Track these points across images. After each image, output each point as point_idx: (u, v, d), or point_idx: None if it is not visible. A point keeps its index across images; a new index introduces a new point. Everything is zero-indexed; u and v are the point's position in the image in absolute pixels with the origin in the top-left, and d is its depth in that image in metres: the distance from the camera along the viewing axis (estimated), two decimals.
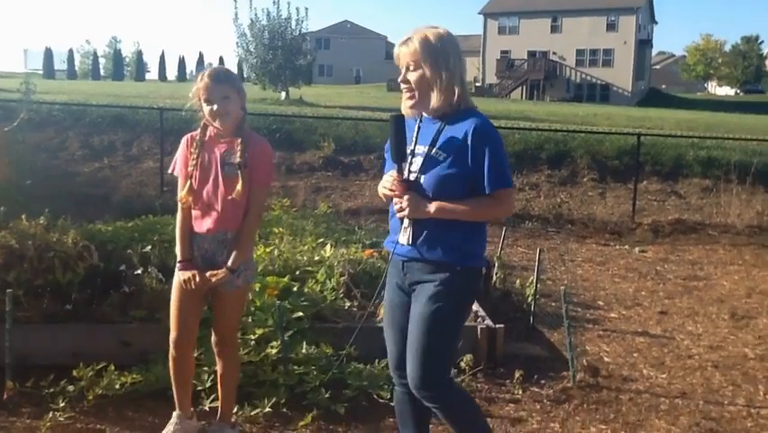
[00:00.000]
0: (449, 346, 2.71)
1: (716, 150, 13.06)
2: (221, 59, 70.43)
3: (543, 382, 4.25)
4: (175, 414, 3.38)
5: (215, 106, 3.02)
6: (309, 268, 5.25)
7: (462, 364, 3.99)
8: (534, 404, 3.95)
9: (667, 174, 12.37)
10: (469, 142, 2.55)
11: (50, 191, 8.60)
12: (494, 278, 6.08)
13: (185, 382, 3.37)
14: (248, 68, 28.47)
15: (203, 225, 3.15)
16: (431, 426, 3.01)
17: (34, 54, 65.82)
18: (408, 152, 2.69)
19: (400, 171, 2.66)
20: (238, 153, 3.06)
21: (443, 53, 2.61)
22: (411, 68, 2.64)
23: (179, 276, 3.17)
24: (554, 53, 51.76)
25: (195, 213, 3.16)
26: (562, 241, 9.23)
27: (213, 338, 3.34)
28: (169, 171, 3.30)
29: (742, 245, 9.29)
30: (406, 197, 2.61)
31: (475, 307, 4.93)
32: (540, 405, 3.95)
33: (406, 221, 2.65)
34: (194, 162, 3.11)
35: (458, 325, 2.75)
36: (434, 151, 2.62)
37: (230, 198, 3.06)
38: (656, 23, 57.94)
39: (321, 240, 6.21)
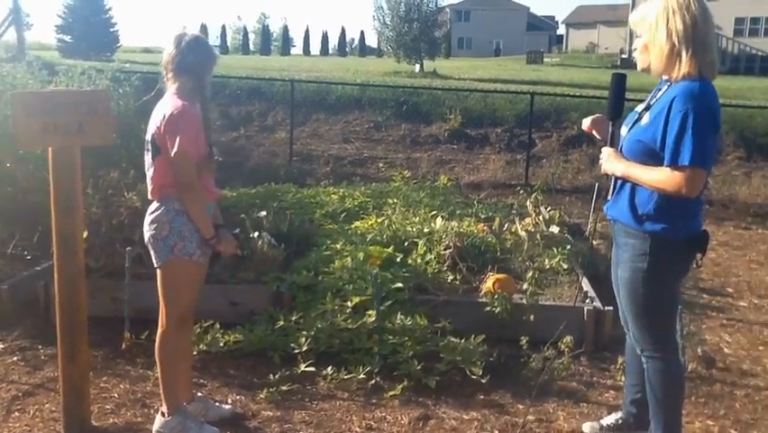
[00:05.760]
0: (654, 311, 2.74)
1: None
2: (362, 34, 71.52)
3: None
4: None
5: None
6: (417, 240, 5.24)
7: (561, 346, 3.85)
8: None
9: None
10: (667, 109, 2.52)
11: None
12: None
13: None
14: (384, 41, 28.71)
15: (215, 188, 3.16)
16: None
17: (191, 30, 69.69)
18: (641, 109, 2.77)
19: (612, 129, 2.79)
20: None
21: (673, 20, 2.55)
22: (639, 33, 2.69)
23: (225, 248, 3.15)
24: None
25: (209, 180, 3.08)
26: None
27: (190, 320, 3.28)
28: (189, 152, 2.89)
29: None
30: (607, 151, 2.74)
31: (585, 287, 4.73)
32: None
33: (613, 178, 2.77)
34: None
35: (657, 291, 2.70)
36: (643, 113, 2.68)
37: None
38: None
39: (434, 212, 6.18)
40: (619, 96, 2.78)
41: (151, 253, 3.05)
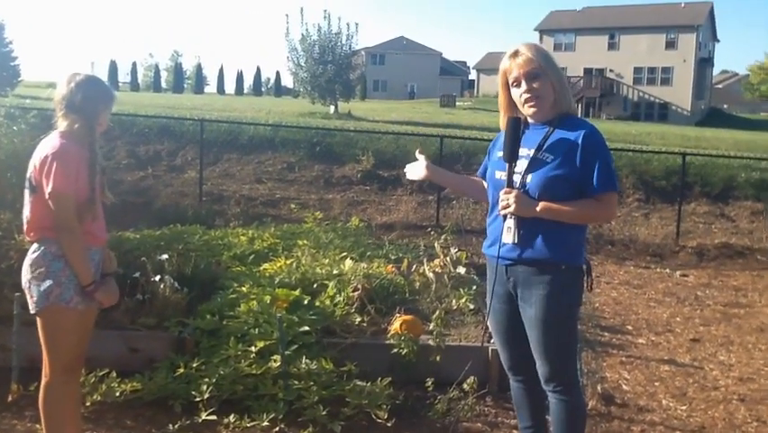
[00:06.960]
0: (569, 342, 2.82)
1: None
2: (277, 74, 71.59)
3: None
4: None
5: None
6: (326, 282, 5.20)
7: (465, 387, 3.87)
8: None
9: (716, 196, 11.93)
10: (579, 146, 2.65)
11: None
12: None
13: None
14: (298, 82, 28.80)
15: (103, 233, 3.06)
16: None
17: (101, 67, 67.98)
18: (527, 153, 2.78)
19: (509, 172, 2.75)
20: None
21: (554, 61, 2.79)
22: (532, 75, 2.72)
23: (103, 298, 2.99)
24: (611, 71, 50.85)
25: (94, 224, 2.96)
26: (599, 262, 8.95)
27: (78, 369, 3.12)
28: (65, 192, 2.80)
29: None
30: (513, 193, 2.70)
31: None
32: None
33: (510, 221, 2.73)
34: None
35: (573, 321, 2.86)
36: (540, 153, 2.71)
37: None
38: (718, 41, 56.39)
39: (344, 254, 6.16)
40: (516, 139, 2.76)
41: (27, 298, 2.92)
